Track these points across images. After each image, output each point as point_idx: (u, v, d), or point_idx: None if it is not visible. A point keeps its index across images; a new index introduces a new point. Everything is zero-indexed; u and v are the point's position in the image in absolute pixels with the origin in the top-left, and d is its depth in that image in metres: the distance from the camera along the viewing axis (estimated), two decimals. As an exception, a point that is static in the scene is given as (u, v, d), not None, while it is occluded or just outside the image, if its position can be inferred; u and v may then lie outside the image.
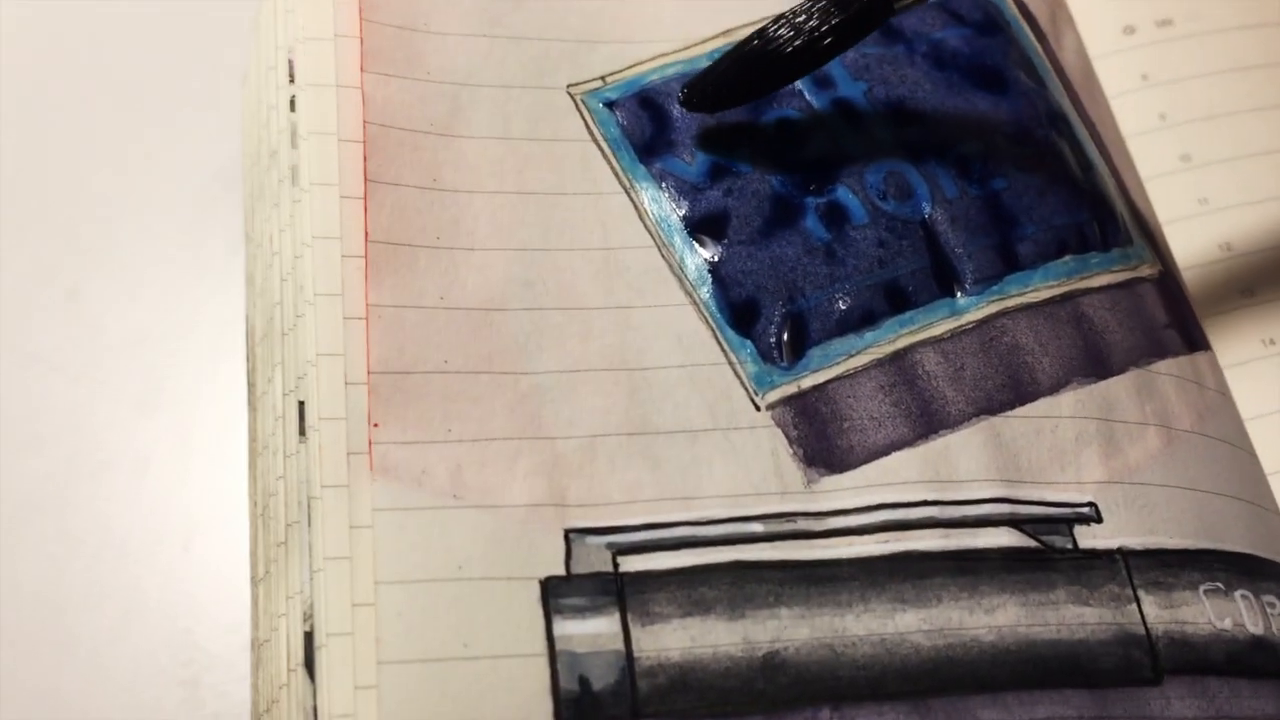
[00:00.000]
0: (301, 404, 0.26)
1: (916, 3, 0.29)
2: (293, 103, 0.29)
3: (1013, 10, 0.34)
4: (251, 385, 0.31)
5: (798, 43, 0.28)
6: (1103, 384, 0.29)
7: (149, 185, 0.37)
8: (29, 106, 0.38)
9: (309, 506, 0.25)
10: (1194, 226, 0.35)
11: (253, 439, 0.30)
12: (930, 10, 0.33)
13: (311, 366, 0.26)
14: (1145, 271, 0.31)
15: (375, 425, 0.26)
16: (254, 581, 0.29)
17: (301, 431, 0.26)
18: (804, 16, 0.29)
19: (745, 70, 0.29)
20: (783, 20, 0.29)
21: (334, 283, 0.27)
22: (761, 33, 0.29)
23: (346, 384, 0.26)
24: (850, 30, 0.29)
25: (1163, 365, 0.30)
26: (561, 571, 0.25)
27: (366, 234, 0.27)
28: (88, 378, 0.34)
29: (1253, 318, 0.33)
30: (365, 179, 0.28)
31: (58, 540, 0.32)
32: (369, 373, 0.26)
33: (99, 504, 0.33)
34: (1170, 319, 0.31)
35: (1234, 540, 0.28)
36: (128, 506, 0.33)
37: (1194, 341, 0.31)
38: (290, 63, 0.30)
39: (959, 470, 0.27)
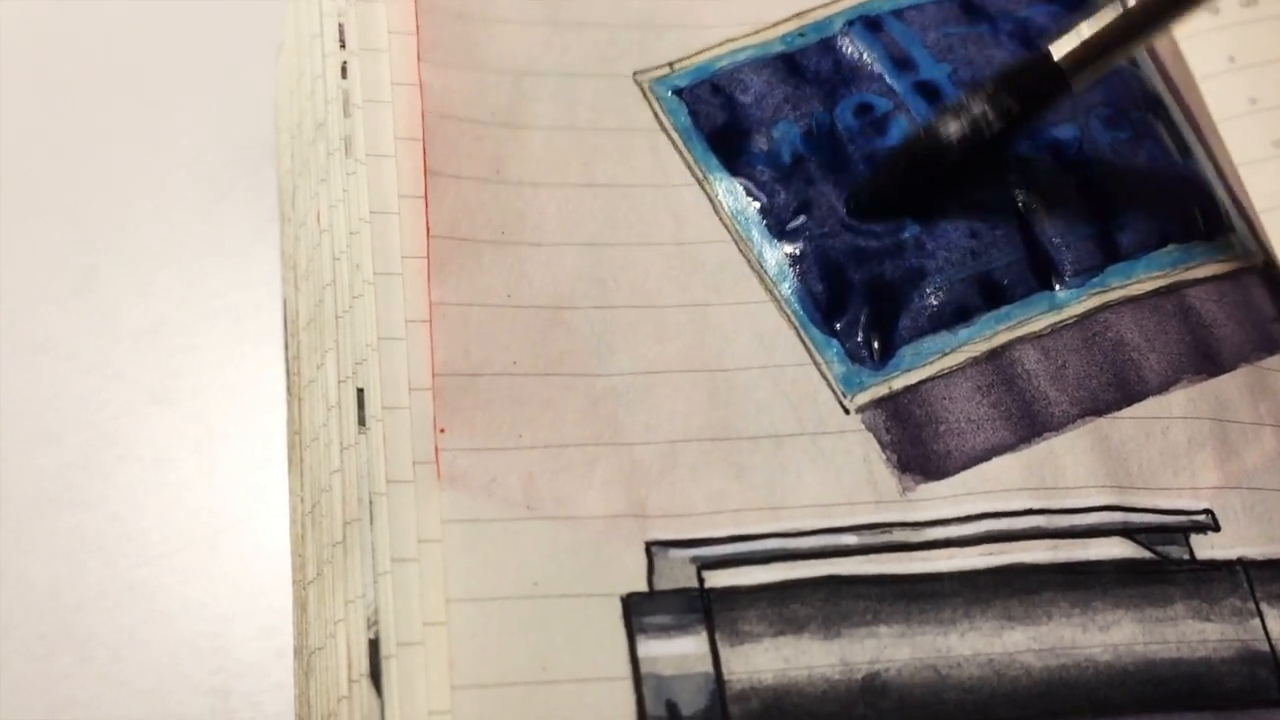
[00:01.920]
0: (360, 391, 0.25)
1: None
2: (344, 69, 0.28)
3: (1099, -11, 0.32)
4: (293, 375, 0.29)
5: (968, 135, 0.26)
6: (1214, 382, 0.27)
7: (166, 162, 0.35)
8: (40, 81, 0.36)
9: (371, 503, 0.24)
10: (1291, 213, 0.33)
11: (295, 430, 0.29)
12: (1014, -13, 0.31)
13: (372, 351, 0.25)
14: (1251, 261, 0.29)
15: (442, 431, 0.24)
16: (301, 584, 0.27)
17: (361, 421, 0.24)
18: (974, 108, 0.27)
19: (915, 173, 0.27)
20: (948, 113, 0.27)
21: (394, 262, 0.25)
22: (930, 129, 0.27)
23: (410, 389, 0.24)
24: (1025, 119, 0.27)
25: (1274, 360, 0.28)
26: (644, 587, 0.23)
27: (428, 229, 0.26)
28: (102, 367, 0.32)
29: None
30: (425, 171, 0.26)
31: (73, 538, 0.30)
32: (434, 375, 0.24)
33: (117, 500, 0.31)
34: (1278, 311, 0.29)
35: (1360, 547, 0.26)
36: (148, 503, 0.31)
37: (1304, 334, 0.29)
38: (341, 27, 0.28)
39: (1066, 476, 0.25)
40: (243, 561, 0.30)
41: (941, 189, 0.28)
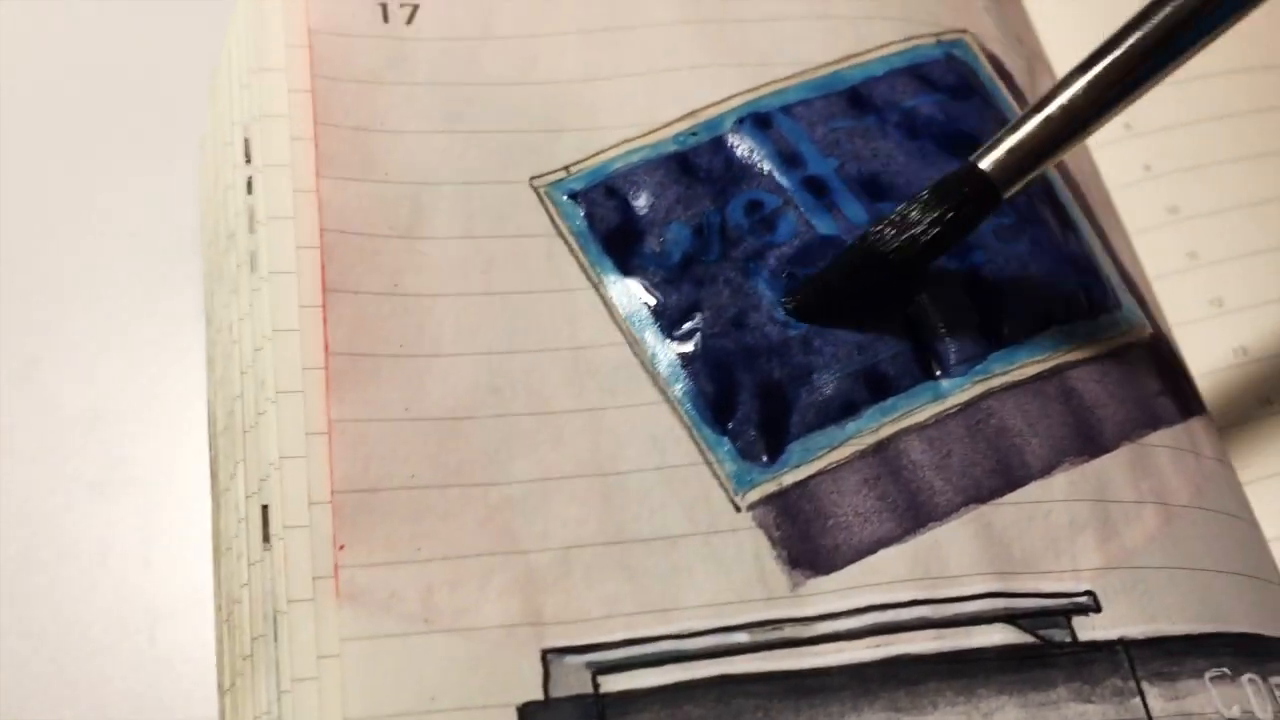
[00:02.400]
0: (265, 508, 0.25)
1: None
2: (249, 184, 0.29)
3: (988, 70, 0.33)
4: (214, 476, 0.30)
5: (902, 241, 0.27)
6: (1095, 463, 0.28)
7: (105, 253, 0.36)
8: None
9: (275, 621, 0.24)
10: (1184, 282, 0.34)
11: (216, 534, 0.29)
12: (901, 77, 0.32)
13: (275, 470, 0.25)
14: (1135, 336, 0.30)
15: (341, 547, 0.25)
16: (221, 690, 0.28)
17: (265, 538, 0.25)
18: (908, 214, 0.27)
19: (852, 277, 0.28)
20: (884, 223, 0.27)
21: (296, 381, 0.26)
22: (863, 237, 0.28)
23: (310, 504, 0.25)
24: (957, 225, 0.27)
25: (1157, 437, 0.29)
26: (540, 695, 0.24)
27: (327, 346, 0.27)
28: (43, 458, 0.33)
29: (1248, 376, 0.32)
30: (324, 288, 0.27)
31: (15, 634, 0.31)
32: (333, 492, 0.25)
33: (59, 594, 0.31)
34: (1163, 385, 0.30)
35: (1238, 619, 0.27)
36: (89, 596, 0.31)
37: (1189, 406, 0.30)
38: (246, 141, 0.29)
39: (950, 565, 0.26)
40: (181, 652, 0.31)
41: (881, 295, 0.28)
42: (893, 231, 0.27)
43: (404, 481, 0.26)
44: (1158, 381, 0.30)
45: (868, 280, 0.28)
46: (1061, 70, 0.36)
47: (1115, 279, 0.32)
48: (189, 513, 0.32)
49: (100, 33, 0.39)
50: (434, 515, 0.25)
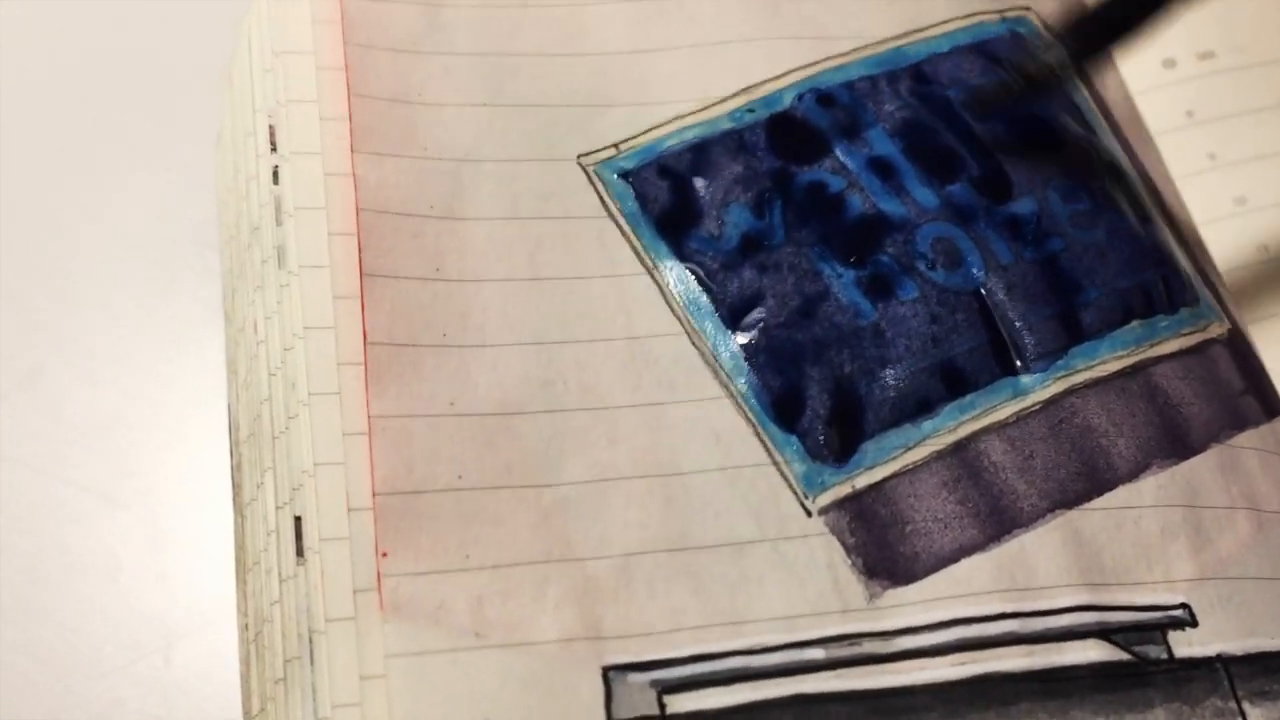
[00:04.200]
0: (298, 519, 0.23)
1: None
2: (275, 174, 0.26)
3: (1052, 50, 0.31)
4: (237, 486, 0.28)
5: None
6: (1184, 465, 0.26)
7: (114, 252, 0.34)
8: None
9: (311, 642, 0.22)
10: (1258, 275, 0.32)
11: (240, 548, 0.27)
12: (966, 54, 0.30)
13: (309, 478, 0.23)
14: (1215, 331, 0.29)
15: (384, 555, 0.23)
16: (248, 717, 0.26)
17: (299, 552, 0.23)
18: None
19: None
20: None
21: (331, 381, 0.24)
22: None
23: (350, 510, 0.23)
24: None
25: (1244, 438, 0.27)
26: (601, 716, 0.22)
27: (365, 335, 0.25)
28: (50, 467, 0.31)
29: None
30: (361, 273, 0.25)
31: (24, 652, 0.29)
32: (374, 495, 0.23)
33: (68, 611, 0.29)
34: (1246, 384, 0.28)
35: (1339, 633, 0.25)
36: (100, 613, 0.29)
37: (1272, 406, 0.29)
38: (271, 129, 0.27)
39: (1038, 575, 0.24)
40: (198, 673, 0.29)
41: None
42: None
43: (450, 483, 0.24)
44: (1240, 379, 0.28)
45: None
46: (1122, 55, 0.34)
47: (1190, 270, 0.30)
48: (207, 525, 0.30)
49: (109, 26, 0.37)
50: (483, 519, 0.23)
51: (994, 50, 0.31)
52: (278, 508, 0.24)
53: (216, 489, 0.30)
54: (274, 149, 0.27)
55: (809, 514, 0.24)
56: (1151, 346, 0.28)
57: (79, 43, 0.37)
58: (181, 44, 0.37)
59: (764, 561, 0.24)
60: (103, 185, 0.35)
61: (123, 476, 0.31)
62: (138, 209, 0.34)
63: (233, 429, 0.29)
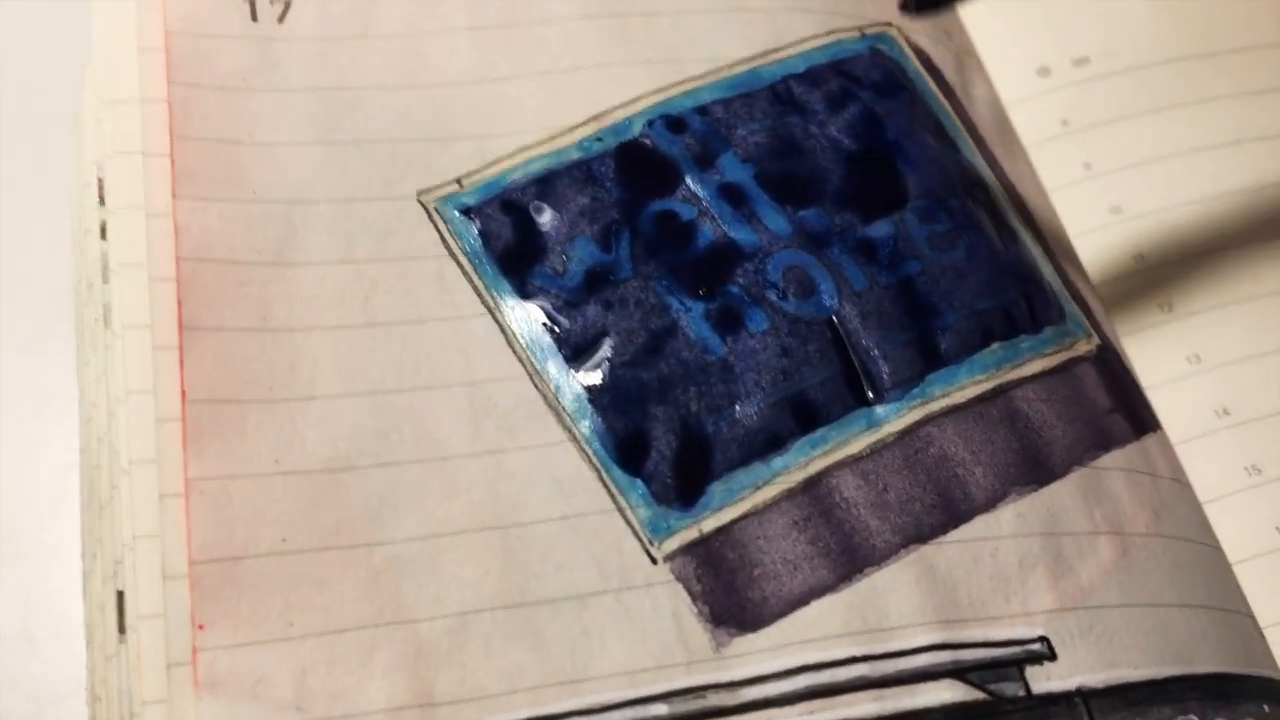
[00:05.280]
0: (120, 594, 0.22)
1: None
2: (104, 229, 0.25)
3: (915, 66, 0.31)
4: (84, 555, 0.27)
5: None
6: (1045, 491, 0.26)
7: None
8: None
9: (135, 721, 0.21)
10: (1133, 285, 0.32)
11: (87, 623, 0.26)
12: (823, 73, 0.30)
13: (129, 551, 0.22)
14: (1082, 348, 0.28)
15: (200, 628, 0.22)
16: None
17: (121, 629, 0.22)
18: None
19: None
20: None
21: (150, 445, 0.23)
22: None
23: (165, 579, 0.22)
24: None
25: (1110, 458, 0.27)
26: (432, 788, 0.21)
27: (184, 393, 0.23)
28: None
29: (1202, 386, 0.30)
30: (180, 327, 0.24)
31: None
32: (191, 563, 0.22)
33: None
34: (1114, 401, 0.28)
35: (1204, 659, 0.25)
36: None
37: (1142, 423, 0.28)
38: (100, 181, 0.26)
39: (890, 615, 0.24)
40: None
41: None
42: None
43: (274, 546, 0.23)
44: (1108, 397, 0.28)
45: None
46: (994, 66, 0.34)
47: (1057, 285, 0.29)
48: (73, 591, 0.29)
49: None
50: (309, 583, 0.22)
51: (852, 69, 0.30)
52: (103, 582, 0.23)
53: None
54: (102, 202, 0.26)
55: (654, 561, 0.24)
56: (1013, 369, 0.27)
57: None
58: (42, 89, 0.35)
59: (606, 614, 0.23)
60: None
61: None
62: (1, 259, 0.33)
63: (82, 493, 0.28)
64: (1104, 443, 0.27)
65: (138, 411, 0.23)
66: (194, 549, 0.22)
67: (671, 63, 0.29)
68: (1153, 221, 0.33)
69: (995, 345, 0.27)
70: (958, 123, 0.31)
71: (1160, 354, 0.30)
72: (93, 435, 0.25)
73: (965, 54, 0.33)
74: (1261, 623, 0.27)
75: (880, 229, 0.27)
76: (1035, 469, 0.26)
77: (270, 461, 0.23)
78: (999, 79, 0.34)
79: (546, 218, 0.27)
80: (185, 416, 0.23)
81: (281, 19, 0.28)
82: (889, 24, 0.31)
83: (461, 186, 0.27)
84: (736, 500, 0.24)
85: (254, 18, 0.28)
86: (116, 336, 0.24)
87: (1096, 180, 0.33)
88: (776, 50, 0.30)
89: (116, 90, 0.26)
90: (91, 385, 0.26)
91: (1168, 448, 0.28)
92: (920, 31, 0.32)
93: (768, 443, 0.25)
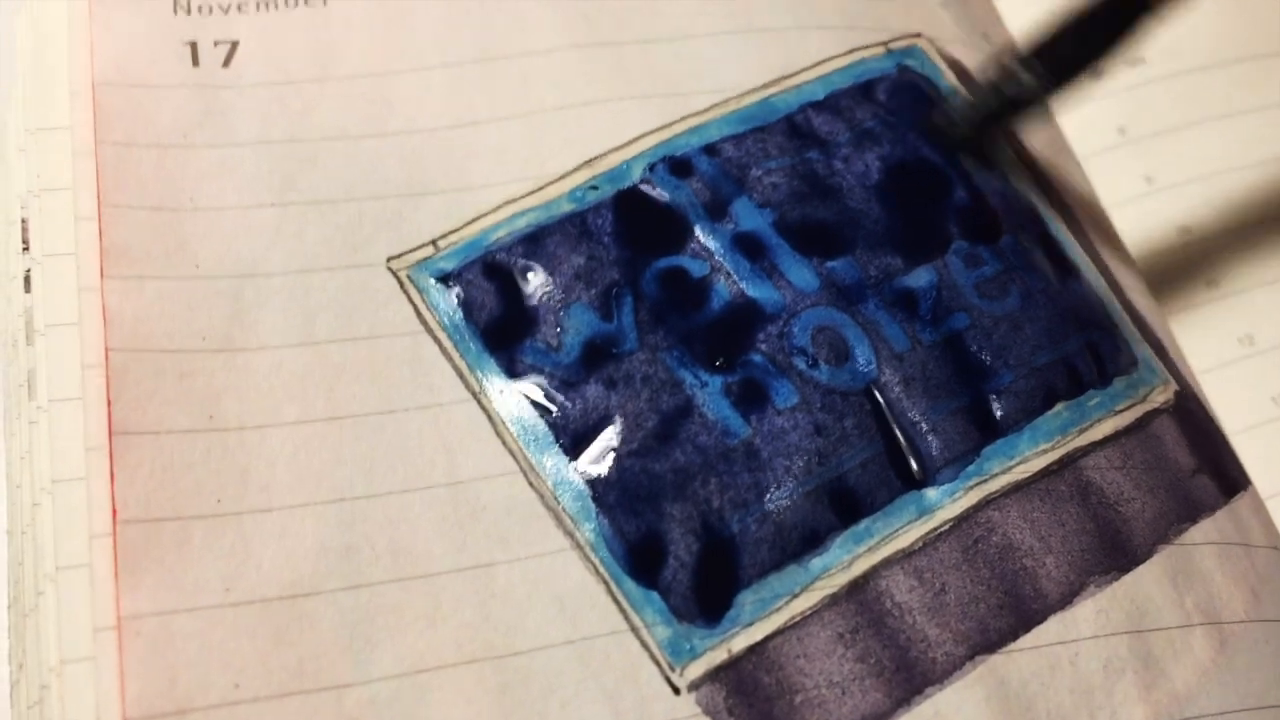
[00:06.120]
0: None
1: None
2: (27, 280, 0.22)
3: (950, 81, 0.27)
4: (12, 663, 0.24)
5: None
6: (1127, 579, 0.22)
7: None
8: None
9: None
10: (1207, 317, 0.28)
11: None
12: (845, 99, 0.26)
13: (55, 677, 0.19)
14: (1159, 399, 0.25)
15: (139, 802, 0.18)
16: None
17: None
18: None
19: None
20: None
21: (80, 552, 0.20)
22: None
23: (95, 742, 0.18)
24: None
25: (1198, 531, 0.23)
26: None
27: (115, 512, 0.20)
28: None
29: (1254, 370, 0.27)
30: (110, 431, 0.20)
31: None
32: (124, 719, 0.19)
33: None
34: (1198, 459, 0.24)
35: (1325, 770, 0.21)
36: None
37: (1231, 482, 0.24)
38: (24, 222, 0.23)
39: (958, 746, 0.20)
40: None
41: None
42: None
43: (225, 695, 0.19)
44: (1190, 455, 0.24)
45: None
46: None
47: (1127, 325, 0.26)
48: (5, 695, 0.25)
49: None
50: (268, 740, 0.19)
51: (879, 92, 0.26)
52: (29, 707, 0.20)
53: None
54: (25, 248, 0.22)
55: (677, 691, 0.20)
56: (1080, 433, 0.23)
57: None
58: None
59: (623, 760, 0.19)
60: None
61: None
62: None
63: (8, 589, 0.24)
64: (1191, 513, 0.23)
65: (65, 507, 0.20)
66: (129, 703, 0.19)
67: (673, 96, 0.25)
68: (1222, 241, 0.29)
69: (1059, 407, 0.23)
70: (1001, 140, 0.27)
71: (1243, 396, 0.27)
72: (18, 521, 0.22)
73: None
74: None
75: (920, 277, 0.24)
76: (1114, 553, 0.22)
77: (219, 590, 0.20)
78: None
79: (536, 282, 0.23)
80: (116, 539, 0.20)
81: (227, 63, 0.25)
82: (917, 35, 0.28)
83: (437, 249, 0.23)
84: (770, 612, 0.21)
85: (195, 62, 0.24)
86: (41, 410, 0.21)
87: (1159, 194, 0.30)
88: (791, 76, 0.26)
89: (43, 118, 0.23)
90: (17, 461, 0.22)
91: (1260, 507, 0.25)
92: (955, 39, 0.28)
93: (803, 540, 0.21)
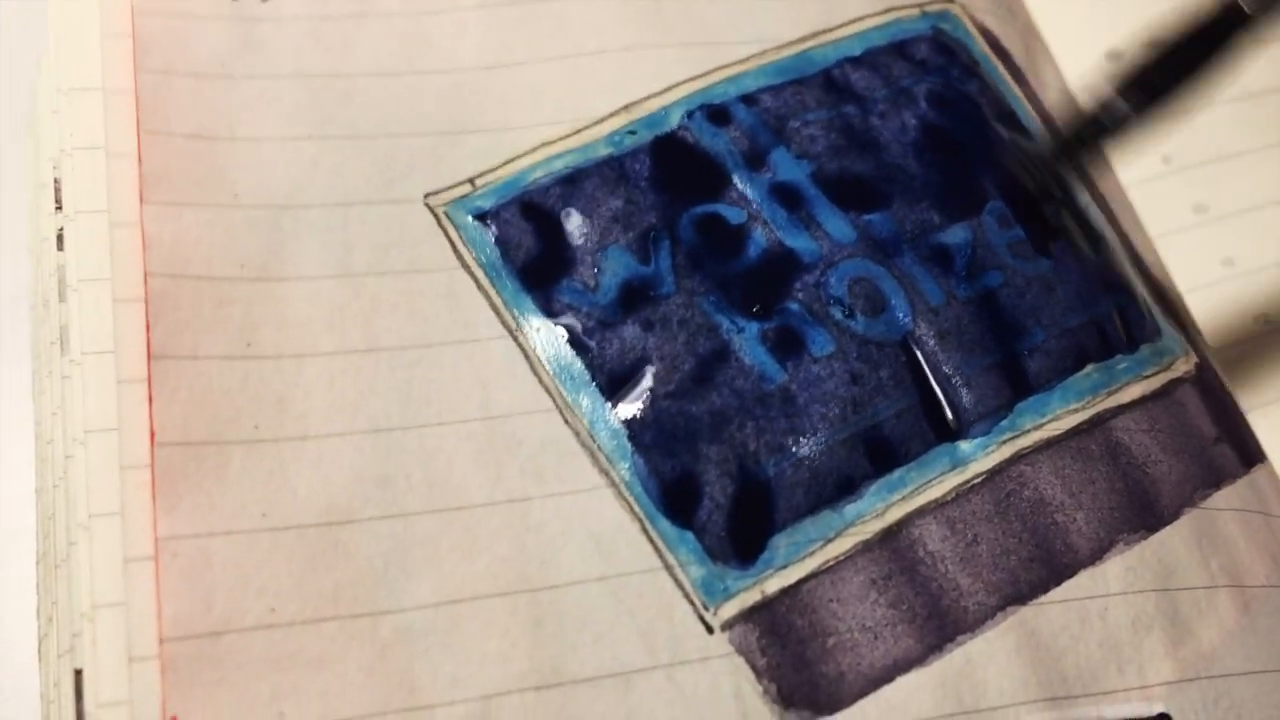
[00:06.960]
0: (78, 673, 0.19)
1: None
2: (60, 238, 0.22)
3: (982, 47, 0.27)
4: (40, 617, 0.23)
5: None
6: (1155, 539, 0.22)
7: None
8: None
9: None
10: (1224, 294, 0.28)
11: (43, 699, 0.23)
12: (882, 57, 0.26)
13: (87, 622, 0.19)
14: (1182, 368, 0.25)
15: (173, 719, 0.18)
16: None
17: (79, 716, 0.19)
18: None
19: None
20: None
21: (113, 498, 0.19)
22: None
23: (131, 661, 0.18)
24: None
25: (1221, 497, 0.23)
26: None
27: (153, 434, 0.20)
28: None
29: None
30: (149, 356, 0.20)
31: None
32: (161, 641, 0.18)
33: None
34: (1219, 429, 0.24)
35: (1344, 732, 0.21)
36: None
37: (1249, 453, 0.25)
38: (56, 182, 0.22)
39: (988, 693, 0.20)
40: None
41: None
42: None
43: (261, 618, 0.19)
44: (1212, 424, 0.24)
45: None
46: (1058, 48, 0.30)
47: (1150, 298, 0.26)
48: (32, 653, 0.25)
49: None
50: (303, 663, 0.19)
51: (914, 52, 0.26)
52: (59, 656, 0.20)
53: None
54: (58, 207, 0.22)
55: (710, 630, 0.20)
56: (1110, 395, 0.23)
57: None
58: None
59: (656, 695, 0.19)
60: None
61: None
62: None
63: (37, 544, 0.24)
64: (1214, 478, 0.24)
65: (98, 456, 0.20)
66: (165, 623, 0.19)
67: (712, 45, 0.25)
68: (1243, 221, 0.29)
69: (1090, 368, 0.23)
70: (1031, 112, 0.27)
71: (1259, 371, 0.27)
72: (48, 477, 0.21)
73: (1029, 34, 0.29)
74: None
75: (956, 235, 0.24)
76: (1143, 513, 0.22)
77: (256, 515, 0.20)
78: (1064, 62, 0.30)
79: (574, 223, 0.23)
80: (154, 463, 0.20)
81: (266, -4, 0.24)
82: (951, 0, 0.28)
83: (475, 188, 0.23)
84: (804, 555, 0.21)
85: (234, -6, 0.24)
86: (74, 364, 0.21)
87: (1178, 175, 0.30)
88: (828, 31, 0.26)
89: (76, 77, 0.23)
90: (47, 418, 0.22)
91: (1275, 479, 0.25)
92: (985, 9, 0.28)
93: (838, 487, 0.21)
